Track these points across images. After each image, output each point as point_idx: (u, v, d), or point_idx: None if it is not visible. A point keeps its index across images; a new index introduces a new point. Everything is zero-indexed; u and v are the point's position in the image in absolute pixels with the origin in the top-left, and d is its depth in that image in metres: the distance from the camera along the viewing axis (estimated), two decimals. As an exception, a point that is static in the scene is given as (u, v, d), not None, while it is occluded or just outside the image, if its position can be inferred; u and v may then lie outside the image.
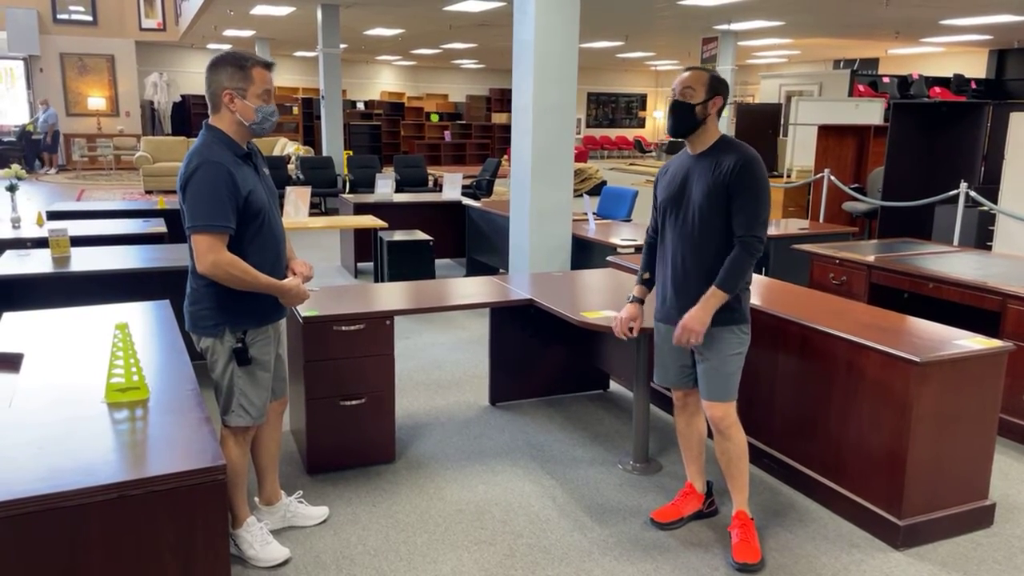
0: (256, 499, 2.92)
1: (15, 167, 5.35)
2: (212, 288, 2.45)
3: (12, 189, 5.20)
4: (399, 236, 6.28)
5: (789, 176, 10.44)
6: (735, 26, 12.23)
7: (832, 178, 8.23)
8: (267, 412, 2.67)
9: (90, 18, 16.96)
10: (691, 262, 2.66)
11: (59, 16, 16.74)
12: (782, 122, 11.98)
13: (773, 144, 11.52)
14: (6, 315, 2.95)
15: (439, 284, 3.98)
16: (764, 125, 11.54)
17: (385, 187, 8.01)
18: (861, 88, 13.07)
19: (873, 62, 17.89)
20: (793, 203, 9.46)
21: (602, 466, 3.47)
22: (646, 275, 2.92)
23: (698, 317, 2.58)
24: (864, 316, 3.26)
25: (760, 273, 5.33)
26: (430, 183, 11.85)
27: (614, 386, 4.45)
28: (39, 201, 10.78)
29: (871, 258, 4.52)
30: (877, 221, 7.78)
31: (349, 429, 3.31)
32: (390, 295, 3.64)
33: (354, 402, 3.30)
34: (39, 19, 16.27)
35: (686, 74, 2.68)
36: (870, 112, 10.31)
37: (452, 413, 4.09)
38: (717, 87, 2.65)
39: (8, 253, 4.31)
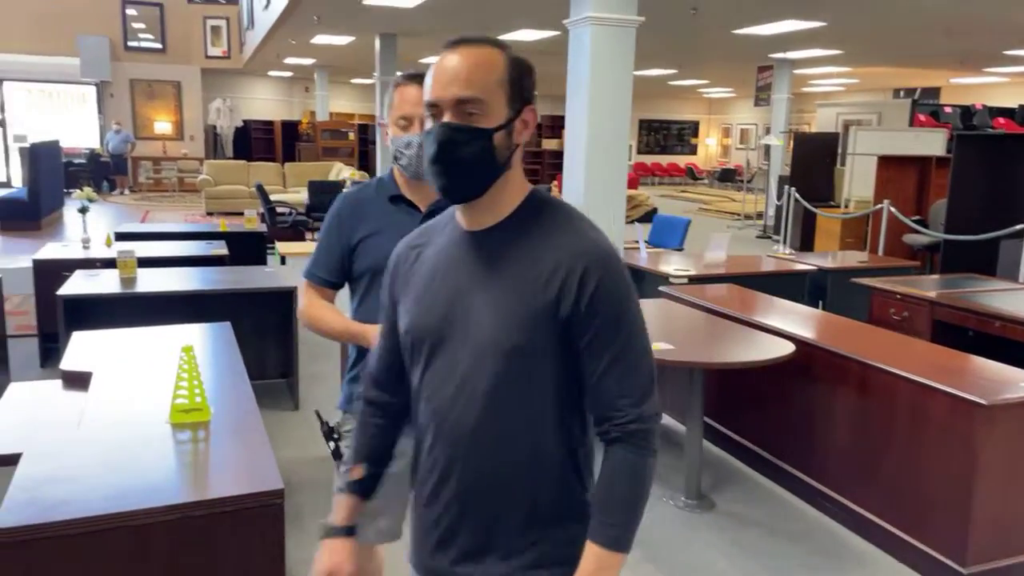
0: None
1: (87, 189, 5.58)
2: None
3: (83, 211, 5.41)
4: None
5: (847, 206, 10.25)
6: (791, 54, 12.12)
7: (892, 209, 8.06)
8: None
9: (159, 46, 17.65)
10: (480, 455, 1.30)
11: (130, 44, 17.44)
12: (839, 151, 11.79)
13: (831, 173, 11.33)
14: (75, 334, 3.06)
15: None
16: (822, 154, 11.37)
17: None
18: (922, 118, 12.78)
19: (934, 91, 17.51)
20: (851, 234, 9.27)
21: (653, 501, 3.41)
22: (359, 469, 1.48)
23: None
24: (927, 355, 3.17)
25: (816, 307, 5.23)
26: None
27: (665, 419, 4.40)
28: (107, 222, 11.19)
29: (934, 294, 4.40)
30: (939, 255, 7.57)
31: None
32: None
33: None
34: (111, 46, 16.99)
35: (455, 61, 1.25)
36: (932, 143, 10.08)
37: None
38: (523, 82, 1.29)
39: (78, 273, 4.48)
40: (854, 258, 6.21)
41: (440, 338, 1.30)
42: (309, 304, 2.06)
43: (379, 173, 12.04)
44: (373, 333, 1.69)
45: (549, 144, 23.39)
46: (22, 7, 15.70)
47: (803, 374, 3.39)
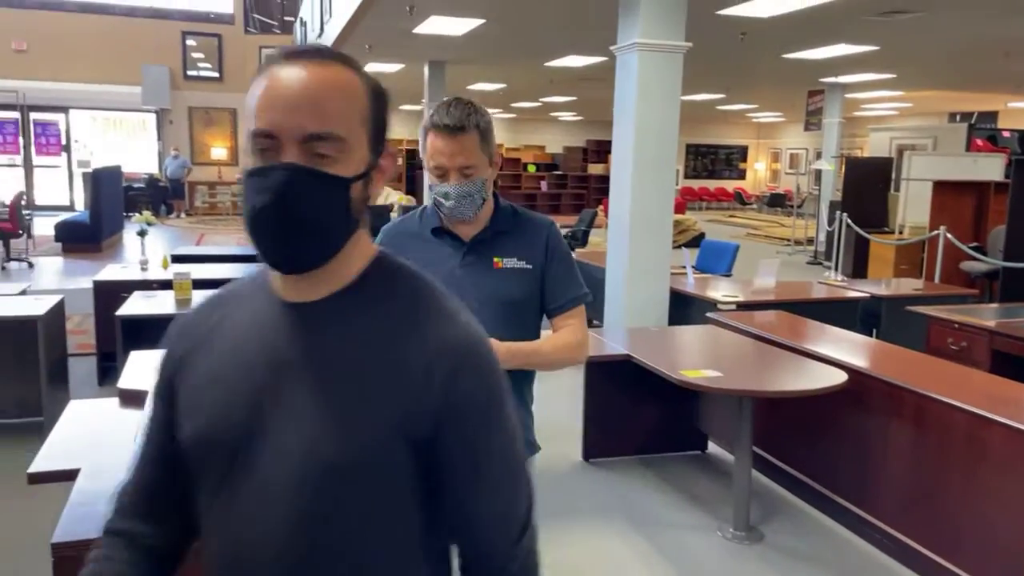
0: None
1: (146, 213, 5.75)
2: None
3: (142, 234, 5.59)
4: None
5: (901, 232, 10.02)
6: (843, 79, 11.96)
7: (948, 236, 7.85)
8: None
9: (217, 75, 18.23)
10: None
11: (189, 73, 18.06)
12: (893, 176, 11.56)
13: (884, 198, 11.10)
14: (132, 353, 3.15)
15: (537, 336, 4.00)
16: (875, 179, 11.15)
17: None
18: (979, 142, 12.48)
19: (992, 115, 17.08)
20: (905, 261, 9.05)
21: (701, 532, 3.36)
22: None
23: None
24: (986, 385, 3.07)
25: (870, 335, 5.12)
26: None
27: (712, 447, 4.32)
28: (164, 244, 11.52)
29: (993, 323, 4.26)
30: (999, 282, 7.34)
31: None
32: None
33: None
34: (171, 75, 17.61)
35: (301, 80, 0.87)
36: (990, 168, 9.82)
37: (544, 467, 4.05)
38: (383, 118, 0.97)
39: (136, 294, 4.61)
40: (909, 286, 6.06)
41: (239, 451, 0.91)
42: None
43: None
44: None
45: (595, 168, 23.47)
46: (89, 39, 16.41)
47: (855, 404, 3.31)
